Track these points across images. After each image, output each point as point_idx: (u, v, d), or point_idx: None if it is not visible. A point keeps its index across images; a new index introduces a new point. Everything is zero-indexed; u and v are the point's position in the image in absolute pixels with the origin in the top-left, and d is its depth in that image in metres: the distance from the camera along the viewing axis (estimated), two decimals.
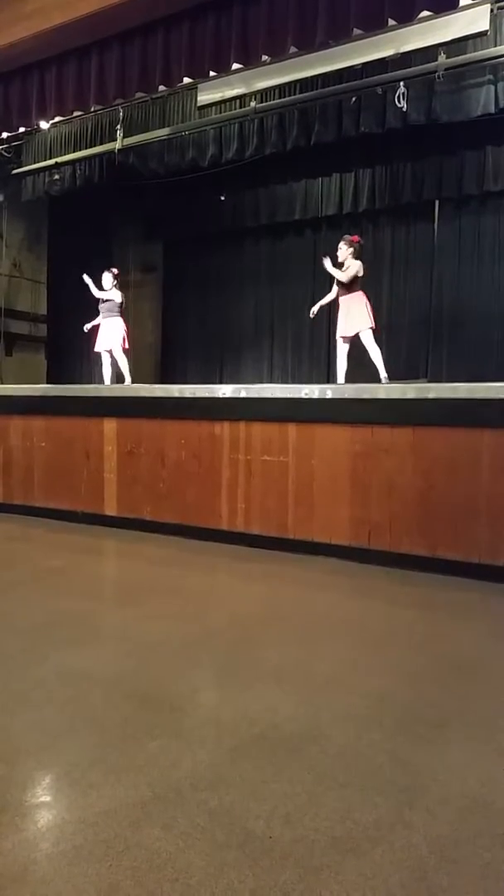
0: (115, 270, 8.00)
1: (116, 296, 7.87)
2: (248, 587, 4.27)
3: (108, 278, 7.90)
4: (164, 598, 3.86)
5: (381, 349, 10.03)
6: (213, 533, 5.21)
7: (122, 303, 7.94)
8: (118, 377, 8.04)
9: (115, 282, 7.90)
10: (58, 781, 1.96)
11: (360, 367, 10.08)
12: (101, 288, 7.88)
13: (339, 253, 6.75)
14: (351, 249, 6.69)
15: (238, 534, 5.13)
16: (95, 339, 8.01)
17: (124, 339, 7.89)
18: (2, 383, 9.58)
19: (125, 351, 7.90)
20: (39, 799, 1.88)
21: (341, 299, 6.76)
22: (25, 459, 6.39)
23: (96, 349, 8.02)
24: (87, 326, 8.10)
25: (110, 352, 7.92)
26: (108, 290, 7.87)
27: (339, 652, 3.02)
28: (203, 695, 2.60)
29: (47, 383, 10.16)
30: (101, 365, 8.07)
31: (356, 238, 6.81)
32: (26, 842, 1.67)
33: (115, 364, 7.97)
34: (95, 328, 8.02)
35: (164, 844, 1.65)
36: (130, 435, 5.72)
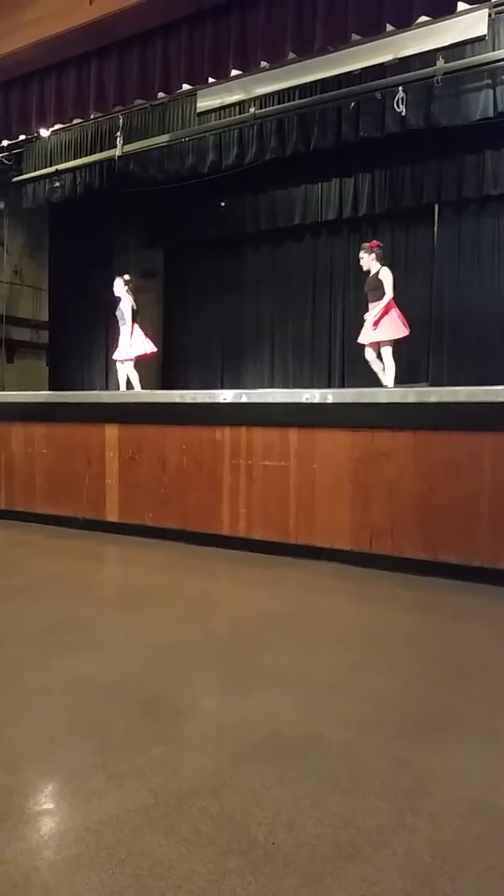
0: (126, 277, 7.93)
1: (125, 302, 7.81)
2: (250, 592, 4.26)
3: (119, 285, 7.86)
4: (166, 604, 3.85)
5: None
6: (215, 538, 5.21)
7: (134, 309, 7.84)
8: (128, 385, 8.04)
9: (126, 287, 7.83)
10: (60, 789, 1.96)
11: (364, 371, 10.11)
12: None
13: (362, 263, 6.64)
14: (373, 255, 6.54)
15: (239, 539, 5.12)
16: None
17: (135, 347, 7.81)
18: (3, 390, 9.59)
19: (133, 359, 7.86)
20: (42, 806, 1.87)
21: (372, 304, 6.61)
22: (27, 466, 6.39)
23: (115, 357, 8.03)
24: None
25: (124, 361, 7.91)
26: (119, 296, 7.82)
27: (341, 656, 3.01)
28: (205, 700, 2.60)
29: (49, 390, 10.18)
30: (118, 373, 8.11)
31: (375, 243, 6.67)
32: (29, 849, 1.67)
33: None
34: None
35: (167, 851, 1.64)
36: (132, 441, 5.73)
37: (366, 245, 6.69)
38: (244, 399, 5.28)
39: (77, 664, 2.86)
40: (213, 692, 2.68)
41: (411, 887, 1.54)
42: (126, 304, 7.78)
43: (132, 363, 7.81)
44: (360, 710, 2.44)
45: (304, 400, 4.96)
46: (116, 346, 7.93)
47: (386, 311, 6.46)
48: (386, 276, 6.44)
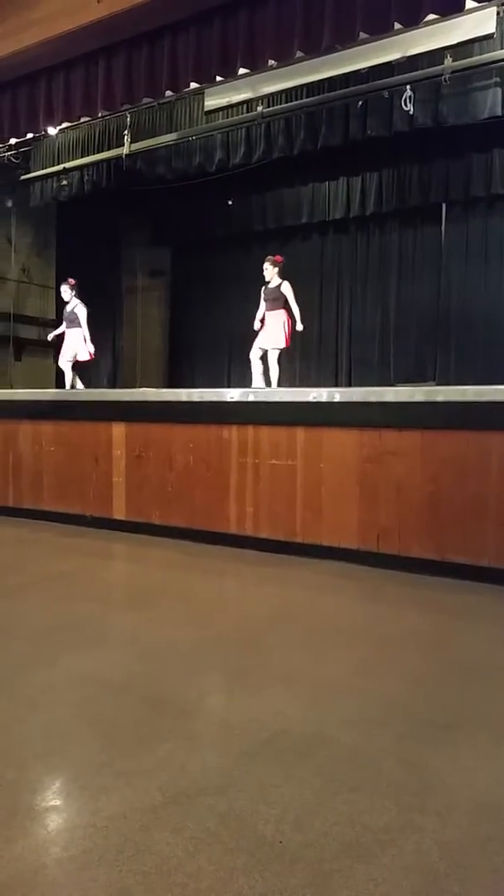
0: (72, 281, 7.99)
1: (79, 307, 7.86)
2: (257, 591, 4.26)
3: (65, 290, 7.92)
4: (173, 602, 3.86)
5: (389, 351, 10.11)
6: (222, 536, 5.22)
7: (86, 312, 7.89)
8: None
9: (74, 292, 7.90)
10: (67, 785, 1.97)
11: (368, 370, 10.10)
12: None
13: (265, 273, 6.91)
14: (276, 269, 6.91)
15: (246, 537, 5.13)
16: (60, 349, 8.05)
17: (87, 352, 7.87)
18: (11, 388, 9.62)
19: (86, 362, 7.94)
20: (49, 803, 1.88)
21: (269, 314, 6.90)
22: (35, 464, 6.41)
23: (60, 359, 8.03)
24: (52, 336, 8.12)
25: (77, 362, 7.93)
26: (69, 300, 7.89)
27: (348, 655, 3.01)
28: (212, 698, 2.60)
29: (56, 388, 10.19)
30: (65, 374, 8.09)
31: (279, 258, 7.03)
32: (36, 846, 1.67)
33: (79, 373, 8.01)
34: (61, 338, 8.04)
35: (174, 849, 1.65)
36: (139, 439, 5.74)
37: (271, 258, 6.97)
38: (251, 398, 5.28)
39: (85, 661, 2.87)
40: (221, 690, 2.68)
41: (419, 887, 1.54)
42: (80, 308, 7.80)
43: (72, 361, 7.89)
44: (368, 709, 2.44)
45: (311, 399, 4.96)
46: (66, 347, 7.93)
47: (289, 321, 6.85)
48: (289, 290, 6.84)
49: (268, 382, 6.89)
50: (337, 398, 4.88)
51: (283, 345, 6.84)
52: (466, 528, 4.31)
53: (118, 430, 5.85)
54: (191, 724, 2.33)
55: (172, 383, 11.61)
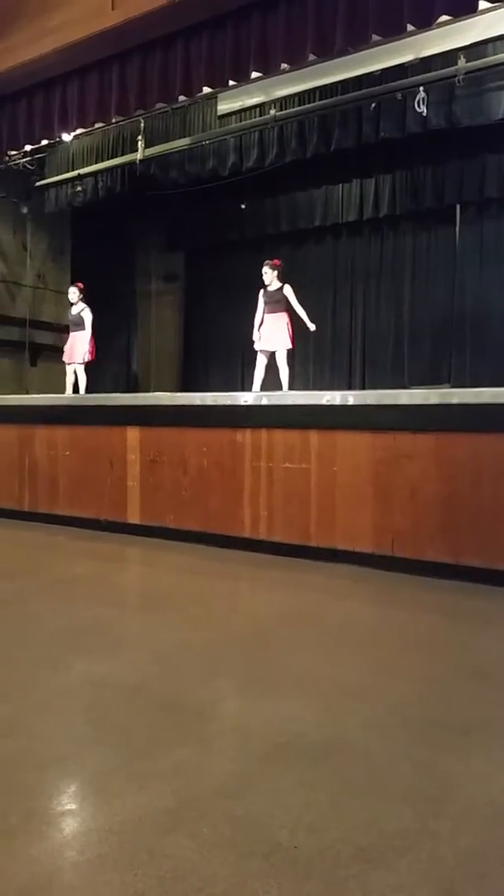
0: (80, 285, 8.05)
1: (85, 311, 7.91)
2: (271, 595, 4.26)
3: (73, 293, 7.98)
4: (188, 606, 3.86)
5: (403, 354, 10.07)
6: (236, 540, 5.21)
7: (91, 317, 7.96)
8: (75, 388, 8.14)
9: (81, 296, 7.96)
10: (83, 789, 1.97)
11: (382, 372, 10.07)
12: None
13: (265, 277, 6.97)
14: (276, 272, 6.98)
15: (260, 541, 5.12)
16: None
17: (89, 353, 7.93)
18: (27, 393, 9.68)
19: (87, 363, 8.01)
20: (65, 807, 1.89)
21: (269, 316, 6.97)
22: (50, 468, 6.45)
23: (65, 360, 8.11)
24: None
25: (81, 364, 7.99)
26: (75, 303, 7.94)
27: (363, 659, 3.00)
28: (227, 702, 2.60)
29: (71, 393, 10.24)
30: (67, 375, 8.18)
31: (278, 262, 7.13)
32: (52, 850, 1.68)
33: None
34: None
35: (189, 853, 1.65)
36: (153, 443, 5.75)
37: (270, 262, 7.04)
38: (265, 401, 5.28)
39: (100, 665, 2.88)
40: (235, 695, 2.68)
41: (435, 894, 1.52)
42: (87, 312, 7.86)
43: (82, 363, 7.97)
44: (383, 713, 2.43)
45: (324, 402, 4.95)
46: (70, 350, 8.00)
47: (291, 322, 6.93)
48: (291, 293, 6.93)
49: (278, 384, 6.91)
50: (351, 401, 4.86)
51: (290, 345, 6.91)
52: (482, 532, 4.28)
53: (132, 434, 5.87)
54: (205, 728, 2.33)
55: (186, 387, 11.63)
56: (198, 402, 5.67)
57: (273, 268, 6.99)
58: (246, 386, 11.08)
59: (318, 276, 10.70)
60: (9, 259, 10.32)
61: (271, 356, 6.99)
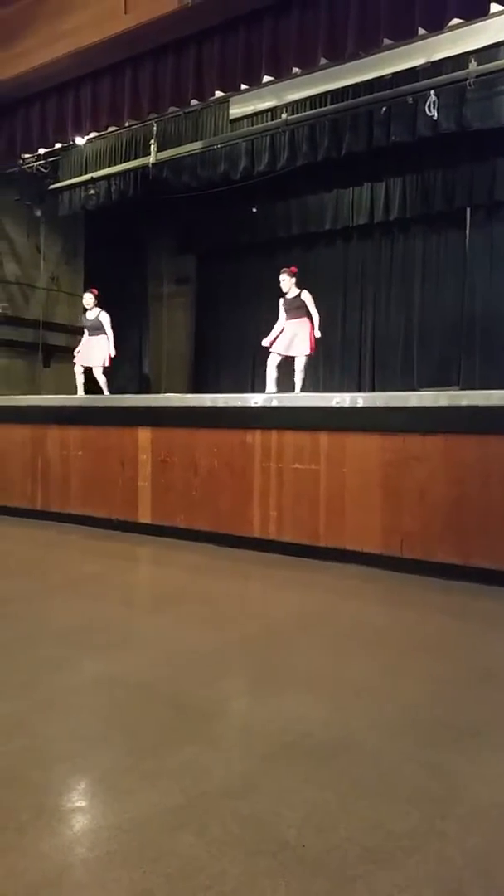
0: (95, 291, 7.99)
1: (102, 315, 7.89)
2: (281, 595, 4.27)
3: (88, 298, 7.92)
4: (198, 605, 3.88)
5: (413, 356, 10.05)
6: (246, 540, 5.23)
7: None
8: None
9: (96, 301, 7.91)
10: (93, 787, 1.99)
11: (392, 375, 10.06)
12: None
13: (283, 284, 6.95)
14: (293, 279, 6.96)
15: (270, 541, 5.14)
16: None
17: (109, 358, 7.91)
18: (40, 394, 9.74)
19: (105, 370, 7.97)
20: (75, 804, 1.91)
21: (290, 322, 6.95)
22: (62, 468, 6.49)
23: (79, 363, 8.05)
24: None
25: (90, 368, 7.96)
26: (91, 308, 7.90)
27: (372, 660, 3.01)
28: (235, 702, 2.61)
29: (85, 394, 10.29)
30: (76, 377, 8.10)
31: (294, 269, 7.10)
32: (62, 846, 1.70)
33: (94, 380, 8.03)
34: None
35: (198, 851, 1.66)
36: (164, 444, 5.78)
37: (287, 269, 7.03)
38: (275, 403, 5.29)
39: (110, 664, 2.90)
40: (244, 694, 2.69)
41: (443, 894, 1.53)
42: (104, 315, 7.83)
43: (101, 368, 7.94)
44: (391, 714, 2.43)
45: (334, 404, 4.96)
46: (87, 354, 7.97)
47: (312, 329, 6.91)
48: (309, 299, 6.90)
49: (290, 387, 6.93)
50: (360, 403, 4.87)
51: (310, 352, 6.92)
52: (491, 533, 4.27)
53: (144, 434, 5.90)
54: (214, 727, 2.34)
55: (197, 388, 11.67)
56: (208, 404, 5.69)
57: (291, 275, 6.99)
58: (257, 388, 11.12)
59: (329, 279, 10.70)
60: (23, 261, 10.39)
61: (285, 359, 6.99)
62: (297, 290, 6.95)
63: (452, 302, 9.71)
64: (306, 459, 4.99)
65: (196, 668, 2.88)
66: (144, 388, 11.99)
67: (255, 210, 10.61)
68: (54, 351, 10.70)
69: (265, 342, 7.12)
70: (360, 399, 4.92)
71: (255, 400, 5.38)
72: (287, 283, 6.96)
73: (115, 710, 2.47)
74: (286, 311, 6.99)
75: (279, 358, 7.01)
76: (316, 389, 10.43)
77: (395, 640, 3.31)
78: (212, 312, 12.13)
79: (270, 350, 7.01)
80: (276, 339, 7.01)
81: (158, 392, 11.08)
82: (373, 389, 9.92)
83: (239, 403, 5.46)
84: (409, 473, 4.57)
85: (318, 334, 6.97)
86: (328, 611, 3.90)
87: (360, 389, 10.06)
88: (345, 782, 1.98)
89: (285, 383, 7.01)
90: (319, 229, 10.46)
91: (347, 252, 10.67)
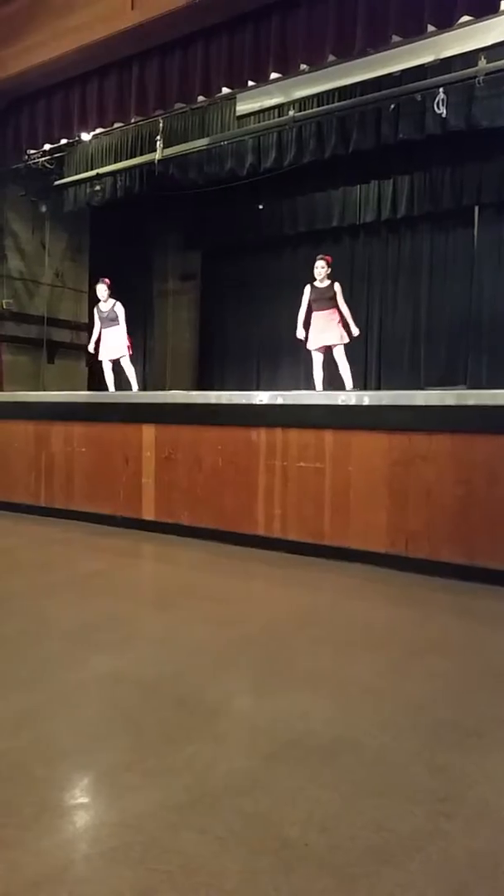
0: (107, 281, 7.97)
1: (117, 306, 7.89)
2: (285, 593, 4.26)
3: (102, 289, 7.90)
4: (202, 603, 3.88)
5: (420, 355, 10.04)
6: (250, 538, 5.22)
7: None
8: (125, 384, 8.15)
9: (109, 291, 7.90)
10: (96, 783, 1.99)
11: (398, 373, 10.04)
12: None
13: (322, 271, 6.90)
14: (329, 269, 6.91)
15: (274, 539, 5.13)
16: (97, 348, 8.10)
17: (128, 347, 7.94)
18: (44, 390, 9.75)
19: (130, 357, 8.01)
20: (77, 800, 1.90)
21: (318, 313, 6.92)
22: (66, 464, 6.49)
23: (101, 357, 8.07)
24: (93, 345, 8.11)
25: (115, 360, 7.98)
26: (105, 300, 7.90)
27: (377, 659, 3.00)
28: (239, 700, 2.60)
29: (88, 390, 10.31)
30: (105, 373, 8.16)
31: (330, 258, 7.07)
32: (64, 842, 1.69)
33: (120, 372, 8.06)
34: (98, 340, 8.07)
35: (200, 849, 1.65)
36: (168, 441, 5.77)
37: (323, 257, 6.96)
38: (280, 400, 5.28)
39: (114, 661, 2.90)
40: (248, 692, 2.69)
41: (446, 893, 1.52)
42: (119, 306, 7.83)
43: (127, 358, 8.00)
44: (395, 713, 2.42)
45: (340, 402, 4.94)
46: (108, 346, 7.98)
47: (342, 320, 6.90)
48: (339, 291, 6.90)
49: (348, 381, 6.97)
50: (366, 401, 4.86)
51: (346, 340, 6.87)
52: (497, 533, 4.26)
53: (148, 431, 5.90)
54: (217, 725, 2.34)
55: (202, 386, 11.68)
56: (213, 401, 5.68)
57: (328, 263, 6.90)
58: (262, 385, 11.12)
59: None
60: (28, 257, 10.40)
61: (326, 352, 6.94)
62: (329, 281, 6.88)
63: (460, 300, 9.69)
64: (311, 458, 4.98)
65: (200, 666, 2.87)
66: (149, 384, 11.99)
67: (261, 207, 10.60)
68: (59, 347, 10.71)
69: (299, 334, 7.02)
70: (366, 397, 4.91)
71: (260, 397, 5.37)
72: (322, 271, 6.87)
73: (119, 706, 2.47)
74: (314, 300, 6.91)
75: (321, 357, 6.95)
76: (322, 387, 10.43)
77: (400, 640, 3.30)
78: (217, 309, 12.12)
79: (311, 350, 6.96)
80: (307, 334, 6.91)
81: (163, 389, 11.08)
82: (379, 388, 9.91)
83: (244, 401, 5.45)
84: (415, 473, 4.55)
85: (355, 332, 6.93)
86: (332, 610, 3.89)
87: (366, 387, 10.04)
88: (348, 781, 1.97)
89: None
90: (326, 226, 10.45)
91: (354, 250, 10.66)
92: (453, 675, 2.83)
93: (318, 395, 5.28)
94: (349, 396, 4.94)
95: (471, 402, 4.51)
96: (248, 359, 11.71)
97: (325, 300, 6.86)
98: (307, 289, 6.96)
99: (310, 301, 6.94)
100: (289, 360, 11.26)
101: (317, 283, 6.91)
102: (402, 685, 2.70)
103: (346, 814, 1.81)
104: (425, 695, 2.60)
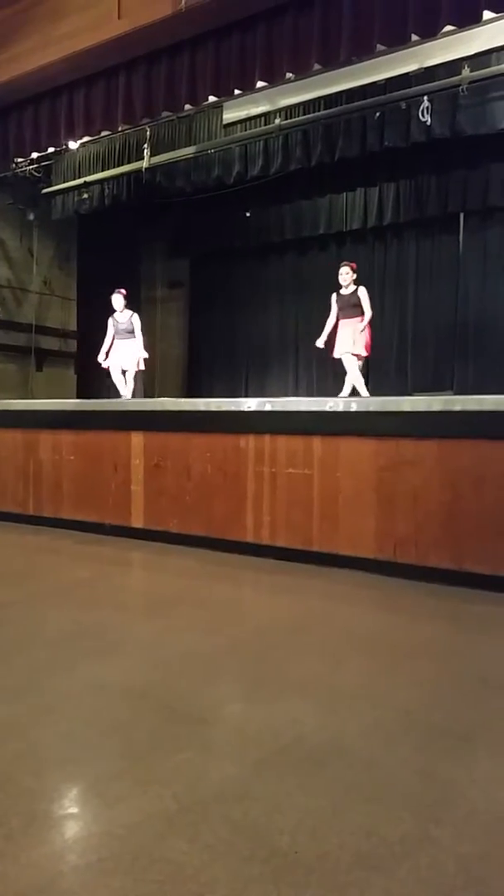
0: (123, 291, 7.96)
1: (134, 317, 7.89)
2: (274, 600, 4.26)
3: (118, 300, 7.89)
4: (190, 610, 3.87)
5: (407, 361, 10.09)
6: (239, 545, 5.22)
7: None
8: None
9: (126, 302, 7.91)
10: (84, 793, 1.97)
11: (385, 379, 10.08)
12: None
13: (347, 277, 6.93)
14: (354, 275, 6.94)
15: (263, 546, 5.13)
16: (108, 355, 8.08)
17: (142, 361, 7.92)
18: (32, 398, 9.72)
19: (102, 368, 7.98)
20: (66, 810, 1.89)
21: (344, 321, 6.95)
22: (54, 472, 6.47)
23: (111, 365, 8.04)
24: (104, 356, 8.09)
25: (125, 372, 7.97)
26: (121, 310, 7.89)
27: (365, 665, 3.00)
28: (228, 707, 2.60)
29: (76, 398, 10.29)
30: (115, 382, 8.13)
31: (355, 264, 7.10)
32: (53, 853, 1.68)
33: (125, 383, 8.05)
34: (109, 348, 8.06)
35: (190, 858, 1.65)
36: (157, 448, 5.77)
37: (348, 264, 6.99)
38: (268, 407, 5.29)
39: (103, 669, 2.89)
40: (237, 699, 2.68)
41: None
42: (136, 318, 7.82)
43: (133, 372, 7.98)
44: (384, 719, 2.43)
45: (328, 408, 4.96)
46: (119, 357, 7.96)
47: (369, 329, 6.97)
48: (365, 296, 6.89)
49: (363, 389, 7.00)
50: (354, 408, 4.88)
51: (365, 353, 6.91)
52: (484, 538, 4.28)
53: (137, 439, 5.89)
54: (207, 733, 2.33)
55: (191, 393, 11.68)
56: (202, 408, 5.69)
57: (352, 270, 6.90)
58: (250, 391, 11.15)
59: (322, 283, 10.69)
60: (15, 265, 10.39)
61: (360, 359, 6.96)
62: (354, 287, 6.88)
63: (446, 307, 9.76)
64: (300, 464, 4.99)
65: (189, 673, 2.86)
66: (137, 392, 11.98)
67: (248, 214, 10.65)
68: (47, 355, 10.69)
69: (319, 343, 7.03)
70: (353, 404, 4.93)
71: (248, 404, 5.38)
72: (347, 277, 6.89)
73: (107, 715, 2.46)
74: (340, 308, 6.93)
75: (356, 361, 6.96)
76: (310, 394, 10.46)
77: (389, 645, 3.31)
78: (205, 316, 12.15)
79: (341, 354, 6.96)
80: (332, 342, 6.91)
81: (152, 396, 11.08)
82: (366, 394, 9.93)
83: (232, 408, 5.46)
84: (403, 478, 4.57)
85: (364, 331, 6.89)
86: (321, 616, 3.89)
87: (353, 394, 10.07)
88: (338, 788, 1.97)
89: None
90: (313, 234, 10.51)
91: (341, 257, 10.66)
92: (442, 681, 2.84)
93: (305, 402, 5.30)
94: (337, 403, 4.96)
95: (457, 407, 4.54)
96: (236, 365, 11.73)
97: (350, 307, 6.86)
98: (333, 297, 6.94)
99: (337, 310, 6.90)
100: (277, 367, 11.31)
101: (342, 291, 6.89)
102: (391, 691, 2.70)
103: (336, 821, 1.81)
104: (414, 700, 2.61)
